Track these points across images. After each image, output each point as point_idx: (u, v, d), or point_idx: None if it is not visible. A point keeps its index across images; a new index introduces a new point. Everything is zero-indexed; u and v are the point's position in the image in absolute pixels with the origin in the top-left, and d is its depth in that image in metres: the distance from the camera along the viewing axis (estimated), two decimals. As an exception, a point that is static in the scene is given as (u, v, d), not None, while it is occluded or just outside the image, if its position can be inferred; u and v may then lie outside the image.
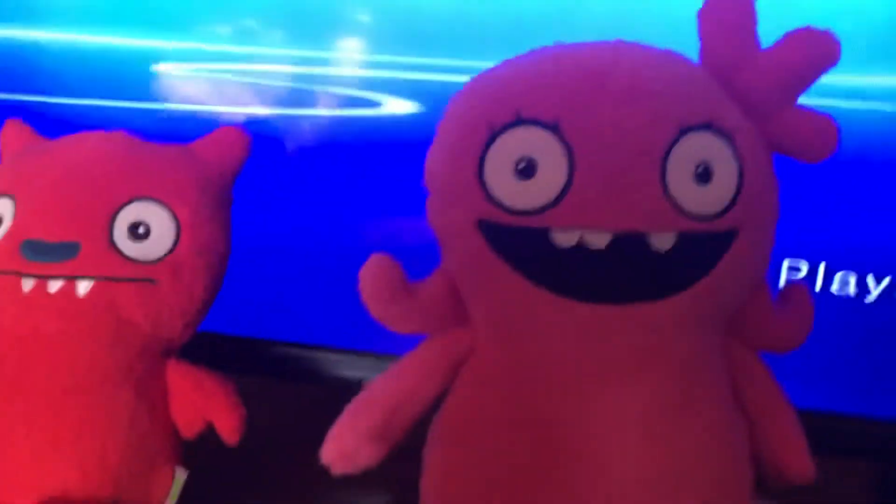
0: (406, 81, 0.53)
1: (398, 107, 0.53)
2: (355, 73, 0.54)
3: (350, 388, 0.44)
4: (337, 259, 0.56)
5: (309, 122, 0.56)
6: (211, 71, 0.55)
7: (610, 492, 0.37)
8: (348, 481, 0.52)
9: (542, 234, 0.36)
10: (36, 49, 0.58)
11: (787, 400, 0.42)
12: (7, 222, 0.45)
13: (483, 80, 0.40)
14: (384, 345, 0.55)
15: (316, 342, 0.59)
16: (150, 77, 0.57)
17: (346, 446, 0.40)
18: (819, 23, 0.38)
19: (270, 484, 0.54)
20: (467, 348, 0.41)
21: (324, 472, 0.53)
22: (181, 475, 0.45)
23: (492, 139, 0.37)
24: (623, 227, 0.36)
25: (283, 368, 0.59)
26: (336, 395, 0.50)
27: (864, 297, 0.51)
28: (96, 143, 0.47)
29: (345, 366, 0.57)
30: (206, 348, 0.49)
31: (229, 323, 0.54)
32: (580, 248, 0.36)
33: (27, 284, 0.44)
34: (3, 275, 0.44)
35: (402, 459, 0.42)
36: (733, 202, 0.37)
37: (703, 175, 0.36)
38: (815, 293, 0.50)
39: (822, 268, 0.51)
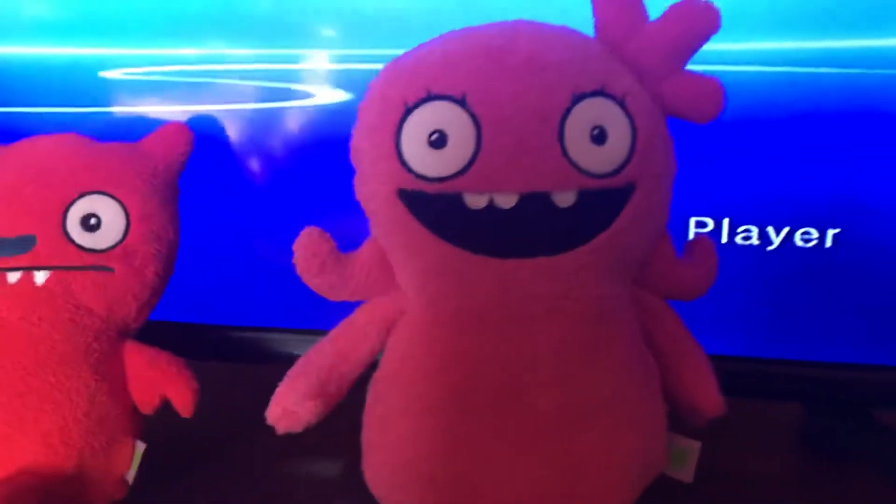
0: (335, 72, 0.56)
1: (330, 96, 0.57)
2: (289, 67, 0.57)
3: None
4: (281, 243, 0.59)
5: (249, 115, 0.58)
6: (153, 74, 0.58)
7: (530, 423, 0.40)
8: (297, 451, 0.55)
9: (456, 199, 0.39)
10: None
11: (696, 342, 0.46)
12: (-34, 222, 0.48)
13: (397, 63, 0.43)
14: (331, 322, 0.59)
15: (264, 324, 0.61)
16: (97, 83, 0.59)
17: (287, 405, 0.43)
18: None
19: (224, 457, 0.57)
20: (397, 311, 0.44)
21: (274, 445, 0.56)
22: (140, 448, 0.47)
23: (406, 115, 0.40)
24: (528, 189, 0.39)
25: (233, 351, 0.62)
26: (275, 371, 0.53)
27: (766, 247, 0.54)
28: (47, 144, 0.49)
29: (292, 344, 0.60)
30: (161, 336, 0.51)
31: (182, 311, 0.57)
32: (490, 209, 0.39)
33: (-14, 277, 0.47)
34: (-35, 269, 0.47)
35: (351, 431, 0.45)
36: (628, 160, 0.40)
37: (599, 136, 0.39)
38: (719, 245, 0.54)
39: (725, 223, 0.54)
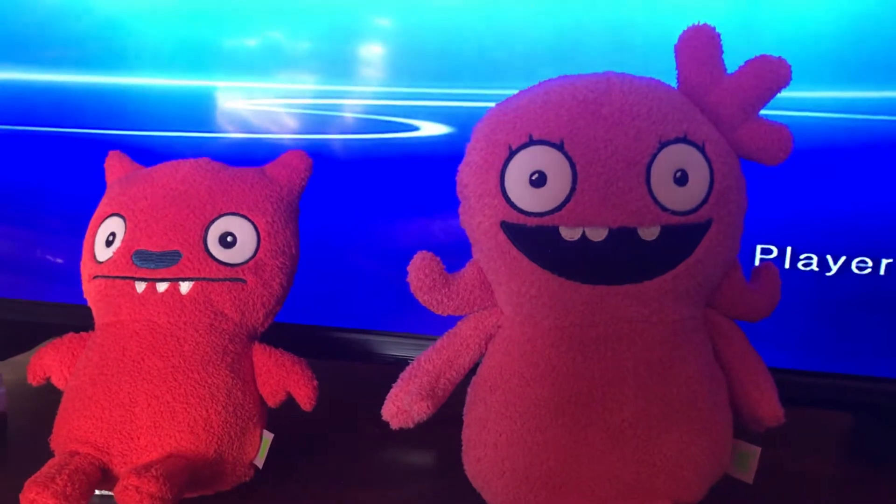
0: (439, 108, 0.62)
1: (433, 129, 0.63)
2: (397, 104, 0.63)
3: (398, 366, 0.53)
4: (386, 258, 0.66)
5: (360, 145, 0.65)
6: (278, 106, 0.65)
7: (614, 428, 0.46)
8: (394, 442, 0.61)
9: (553, 231, 0.45)
10: (128, 92, 0.68)
11: (759, 358, 0.51)
12: (119, 237, 0.54)
13: (501, 109, 0.48)
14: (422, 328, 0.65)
15: (367, 327, 0.68)
16: (223, 112, 0.66)
17: (401, 404, 0.49)
18: (773, 51, 0.46)
19: (330, 445, 0.63)
20: (495, 325, 0.50)
21: (375, 433, 0.62)
22: (268, 437, 0.54)
23: (510, 157, 0.46)
24: (617, 224, 0.44)
25: (340, 350, 0.69)
26: (383, 370, 0.58)
27: (825, 273, 0.59)
28: (189, 169, 0.56)
29: (391, 346, 0.67)
30: (280, 336, 0.58)
31: (299, 314, 0.63)
32: (583, 241, 0.45)
33: (140, 287, 0.53)
34: (121, 280, 0.53)
35: (440, 424, 0.51)
36: (706, 199, 0.45)
37: (681, 178, 0.45)
38: (782, 271, 0.58)
39: (788, 250, 0.60)
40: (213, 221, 0.54)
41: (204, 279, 0.53)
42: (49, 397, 0.69)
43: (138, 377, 0.52)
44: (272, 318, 0.57)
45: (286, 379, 0.55)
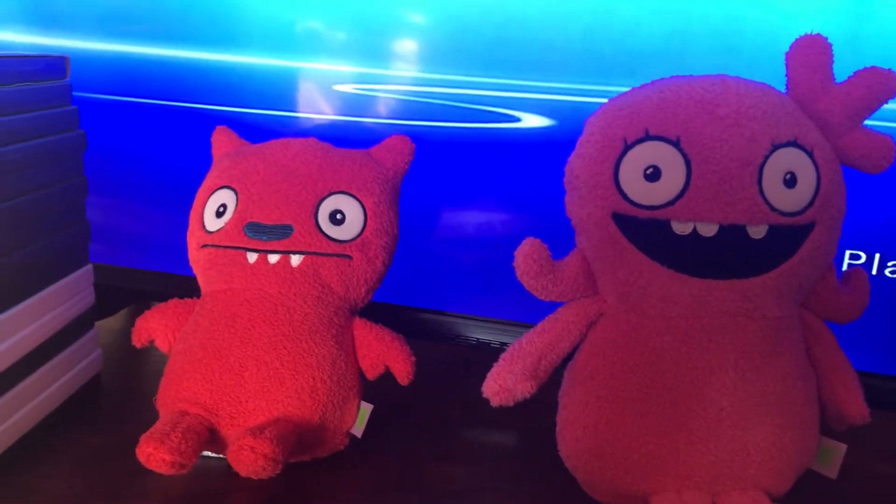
0: (541, 101, 0.64)
1: (534, 121, 0.65)
2: (502, 95, 0.65)
3: (479, 348, 0.54)
4: (483, 244, 0.68)
5: (463, 133, 0.67)
6: (380, 91, 0.68)
7: (711, 416, 0.48)
8: (477, 422, 0.63)
9: (665, 225, 0.47)
10: (240, 70, 0.70)
11: (847, 359, 0.53)
12: (231, 209, 0.56)
13: (617, 103, 0.50)
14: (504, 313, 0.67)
15: (457, 310, 0.71)
16: (331, 94, 0.69)
17: (505, 382, 0.51)
18: (883, 63, 0.48)
19: (415, 421, 0.65)
20: (597, 313, 0.52)
21: (458, 412, 0.64)
22: (367, 408, 0.56)
23: (626, 150, 0.48)
24: (727, 221, 0.46)
25: (429, 331, 0.71)
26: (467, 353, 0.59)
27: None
28: (299, 147, 0.58)
29: (473, 329, 0.69)
30: (371, 313, 0.60)
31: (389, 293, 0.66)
32: (694, 235, 0.47)
33: (252, 257, 0.55)
34: (232, 249, 0.56)
35: (521, 406, 0.53)
36: (812, 202, 0.47)
37: (790, 181, 0.47)
38: (870, 276, 0.60)
39: (877, 257, 0.61)
40: (324, 198, 0.56)
41: (314, 253, 0.55)
42: (137, 360, 0.72)
43: (248, 343, 0.54)
44: (372, 295, 0.59)
45: (386, 353, 0.57)
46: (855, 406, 0.52)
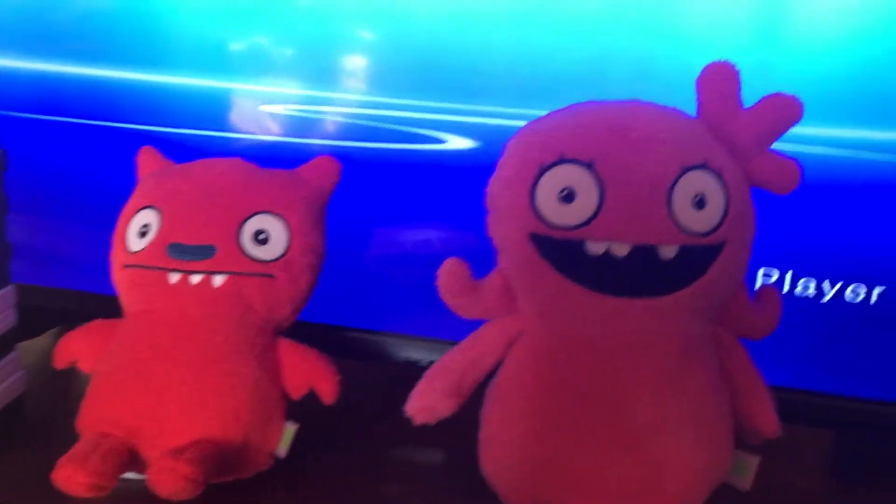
0: (466, 123, 0.65)
1: (459, 143, 0.65)
2: (427, 117, 0.66)
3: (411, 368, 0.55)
4: (401, 262, 0.69)
5: (387, 154, 0.67)
6: (309, 112, 0.68)
7: (627, 432, 0.49)
8: (406, 440, 0.64)
9: (579, 245, 0.48)
10: (167, 89, 0.70)
11: (760, 374, 0.54)
12: (154, 229, 0.56)
13: (533, 127, 0.51)
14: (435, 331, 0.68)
15: (385, 329, 0.71)
16: (258, 115, 0.69)
17: (427, 401, 0.52)
18: (787, 88, 0.50)
19: (345, 439, 0.65)
20: (518, 331, 0.52)
21: (385, 431, 0.64)
22: (291, 427, 0.56)
23: (541, 173, 0.49)
24: (639, 241, 0.47)
25: (355, 351, 0.71)
26: (399, 372, 0.60)
27: (821, 298, 0.63)
28: (224, 167, 0.58)
29: (404, 348, 0.70)
30: (298, 333, 0.60)
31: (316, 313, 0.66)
32: (607, 255, 0.48)
33: (173, 278, 0.55)
34: (154, 270, 0.55)
35: (449, 424, 0.53)
36: (721, 223, 0.48)
37: (699, 203, 0.48)
38: (783, 294, 0.62)
39: (788, 275, 0.63)
40: (247, 218, 0.56)
41: (236, 273, 0.55)
42: (62, 382, 0.71)
43: (170, 364, 0.54)
44: (297, 315, 0.59)
45: (310, 373, 0.57)
46: (767, 420, 0.54)
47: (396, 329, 0.70)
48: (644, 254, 0.48)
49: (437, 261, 0.53)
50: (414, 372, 0.55)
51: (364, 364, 0.69)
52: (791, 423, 0.55)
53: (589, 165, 0.48)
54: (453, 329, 0.54)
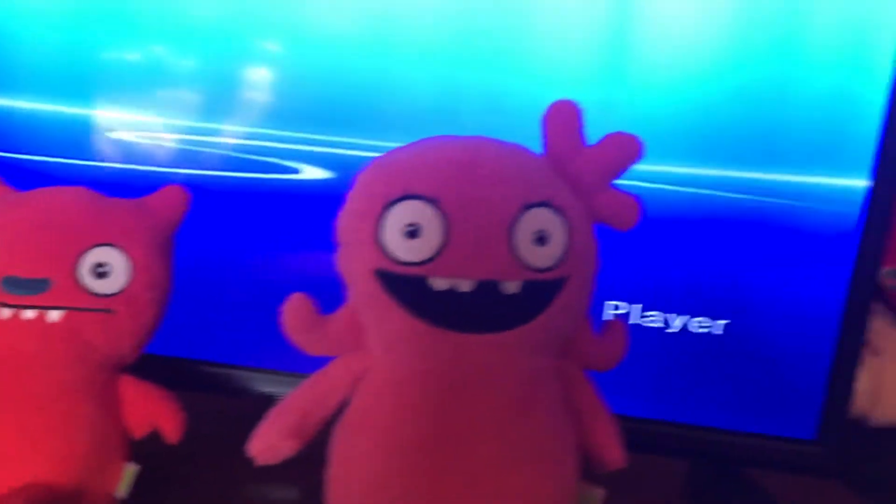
0: (320, 153, 0.65)
1: (313, 174, 0.65)
2: (281, 146, 0.65)
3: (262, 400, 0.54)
4: (266, 294, 0.67)
5: (239, 183, 0.66)
6: (161, 139, 0.66)
7: (472, 468, 0.49)
8: (263, 478, 0.62)
9: (423, 281, 0.48)
10: (11, 114, 0.67)
11: (606, 406, 0.55)
12: (-13, 261, 0.54)
13: (382, 161, 0.51)
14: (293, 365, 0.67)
15: (237, 362, 0.69)
16: (107, 142, 0.66)
17: (268, 441, 0.51)
18: (629, 128, 0.51)
19: (200, 478, 0.63)
20: (365, 367, 0.52)
21: (242, 469, 0.63)
22: (131, 469, 0.54)
23: (387, 208, 0.49)
24: (482, 277, 0.48)
25: (208, 384, 0.69)
26: (253, 406, 0.59)
27: (667, 329, 0.65)
28: (66, 196, 0.56)
29: (258, 382, 0.68)
30: (147, 368, 0.58)
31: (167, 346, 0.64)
32: (451, 291, 0.48)
33: (5, 313, 0.52)
34: (-14, 305, 0.53)
35: (306, 462, 0.53)
36: (563, 259, 0.49)
37: (541, 239, 0.49)
38: (629, 326, 0.64)
39: (636, 308, 0.65)
40: (87, 251, 0.54)
41: (73, 308, 0.53)
42: None
43: (4, 407, 0.52)
44: (140, 350, 0.57)
45: (153, 411, 0.55)
46: (612, 451, 0.54)
47: (251, 363, 0.69)
48: (487, 289, 0.48)
49: (294, 292, 0.52)
50: (270, 407, 0.54)
51: (218, 398, 0.68)
52: (639, 453, 0.56)
53: (434, 202, 0.48)
54: (310, 362, 0.54)
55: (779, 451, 0.65)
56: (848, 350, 0.63)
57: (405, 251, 0.48)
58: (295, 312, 0.51)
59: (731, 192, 0.62)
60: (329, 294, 0.52)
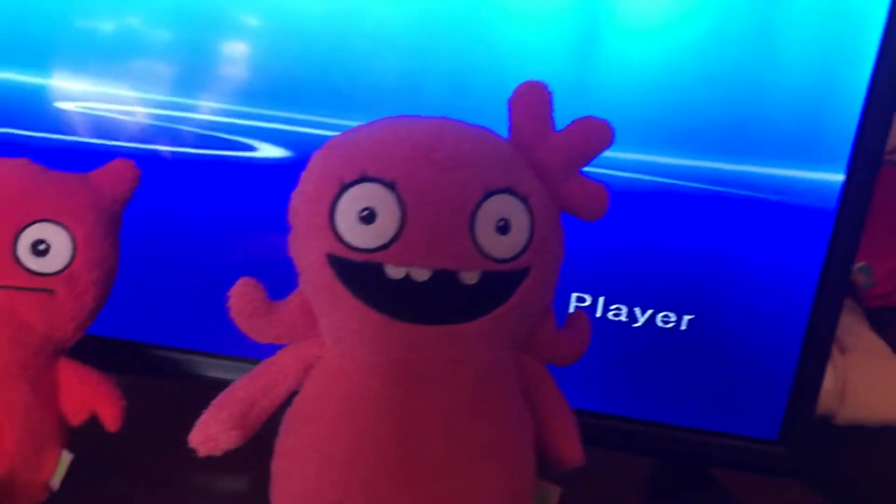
0: (277, 130, 0.62)
1: (271, 151, 0.62)
2: (237, 122, 0.62)
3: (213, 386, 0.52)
4: (218, 276, 0.65)
5: (193, 159, 0.63)
6: (109, 111, 0.63)
7: (424, 463, 0.47)
8: (210, 467, 0.60)
9: (378, 268, 0.46)
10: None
11: (566, 402, 0.53)
12: (-79, 237, 0.51)
13: (336, 142, 0.48)
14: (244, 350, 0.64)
15: (185, 346, 0.67)
16: (53, 112, 0.63)
17: (210, 432, 0.48)
18: (600, 113, 0.49)
19: (142, 467, 0.61)
20: (315, 356, 0.50)
21: (188, 457, 0.60)
22: (66, 457, 0.52)
23: (342, 191, 0.46)
24: (439, 266, 0.46)
25: (155, 368, 0.66)
26: (199, 391, 0.57)
27: (632, 324, 0.63)
28: (5, 170, 0.53)
29: (208, 367, 0.66)
30: (91, 350, 0.56)
31: (112, 328, 0.61)
32: (407, 280, 0.46)
33: (-63, 291, 0.50)
34: (-85, 282, 0.50)
35: (255, 450, 0.50)
36: (525, 249, 0.47)
37: (503, 228, 0.46)
38: (594, 319, 0.62)
39: (601, 300, 0.63)
40: (25, 227, 0.51)
41: (9, 288, 0.50)
42: None
43: (-74, 389, 0.49)
44: (82, 333, 0.54)
45: (91, 397, 0.53)
46: (570, 449, 0.53)
47: (201, 347, 0.66)
48: (444, 279, 0.46)
49: (247, 275, 0.49)
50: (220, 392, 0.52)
51: (167, 383, 0.65)
52: (599, 449, 0.55)
53: (391, 185, 0.46)
54: (262, 348, 0.51)
55: (741, 451, 0.64)
56: (816, 349, 0.61)
57: (359, 236, 0.46)
58: (242, 297, 0.49)
59: (702, 184, 0.60)
60: (286, 277, 0.50)
